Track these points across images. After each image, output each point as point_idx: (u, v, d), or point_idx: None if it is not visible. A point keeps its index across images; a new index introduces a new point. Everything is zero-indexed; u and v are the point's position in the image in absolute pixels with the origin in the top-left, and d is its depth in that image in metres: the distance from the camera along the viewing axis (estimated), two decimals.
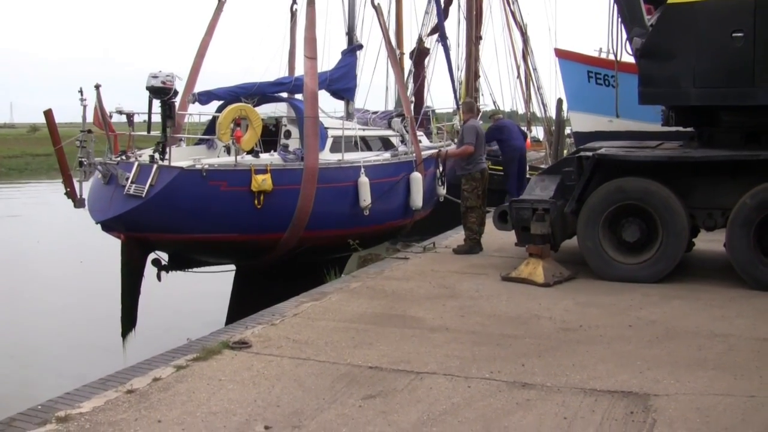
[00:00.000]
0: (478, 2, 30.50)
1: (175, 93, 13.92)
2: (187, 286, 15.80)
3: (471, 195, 14.37)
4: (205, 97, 15.84)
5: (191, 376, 7.36)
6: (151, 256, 14.17)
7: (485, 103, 28.96)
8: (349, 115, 17.76)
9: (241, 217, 13.46)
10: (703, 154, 11.56)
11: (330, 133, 15.51)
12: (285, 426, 6.19)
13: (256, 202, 13.40)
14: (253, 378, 7.33)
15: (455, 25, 30.77)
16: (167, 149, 13.47)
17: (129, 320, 13.44)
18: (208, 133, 16.03)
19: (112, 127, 14.24)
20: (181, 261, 14.72)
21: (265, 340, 8.60)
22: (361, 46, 18.72)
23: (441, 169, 16.77)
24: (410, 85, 26.25)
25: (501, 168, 20.15)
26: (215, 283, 15.46)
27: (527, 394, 6.88)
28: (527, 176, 19.07)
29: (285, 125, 15.90)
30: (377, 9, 18.92)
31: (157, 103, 13.89)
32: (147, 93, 13.83)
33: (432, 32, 28.99)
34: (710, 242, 12.92)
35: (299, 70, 17.61)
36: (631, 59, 13.53)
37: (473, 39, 30.23)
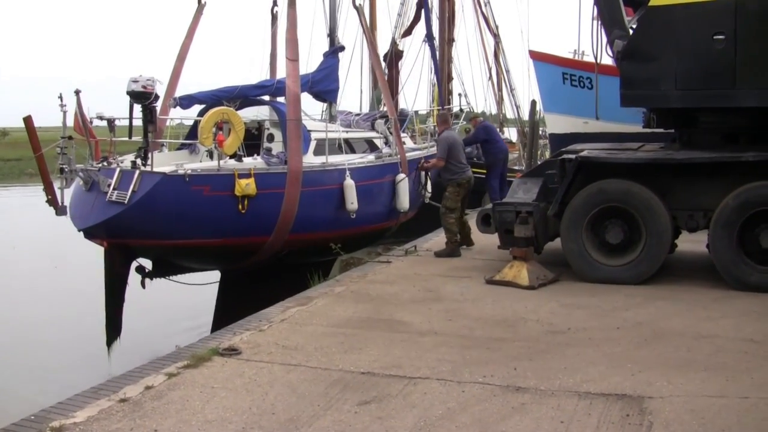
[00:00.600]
0: (450, 4, 30.59)
1: (156, 97, 13.74)
2: (172, 292, 15.64)
3: (451, 197, 14.52)
4: (186, 101, 15.72)
5: (183, 384, 7.32)
6: (135, 263, 14.02)
7: (464, 105, 29.01)
8: (331, 117, 17.72)
9: (225, 221, 13.36)
10: (685, 155, 11.63)
11: (313, 135, 15.46)
12: None
13: (240, 206, 13.31)
14: (246, 385, 7.30)
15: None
16: (149, 154, 13.32)
17: (114, 329, 13.25)
18: (190, 138, 15.90)
19: (93, 133, 14.06)
20: (165, 268, 14.54)
21: (255, 346, 8.56)
22: (343, 48, 18.70)
23: (424, 181, 17.10)
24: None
25: (484, 170, 20.12)
26: (200, 289, 15.33)
27: (522, 398, 6.90)
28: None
29: (268, 128, 15.84)
30: (359, 10, 18.93)
31: (138, 108, 13.68)
32: (127, 98, 13.62)
33: (405, 34, 29.05)
34: (692, 243, 12.98)
35: (281, 73, 17.57)
36: (608, 61, 13.64)
37: (446, 41, 30.29)
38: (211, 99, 15.50)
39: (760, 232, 11.04)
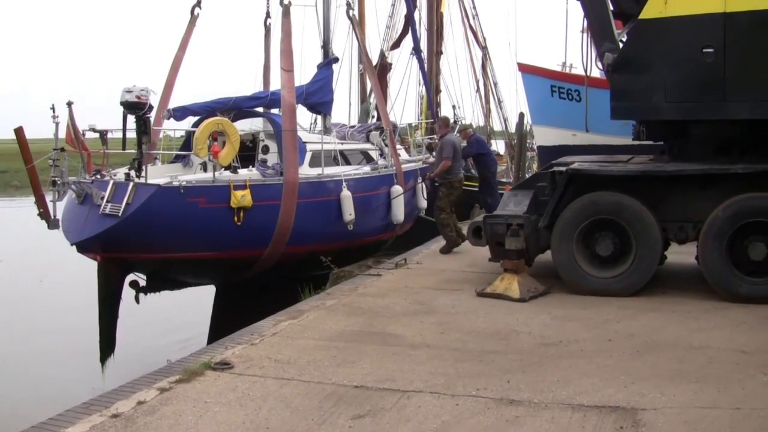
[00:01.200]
0: (439, 17, 30.69)
1: (150, 108, 13.65)
2: (167, 306, 15.56)
3: (445, 197, 15.29)
4: (180, 113, 15.71)
5: (176, 399, 7.30)
6: (129, 277, 13.92)
7: (458, 116, 29.17)
8: (326, 130, 17.71)
9: (220, 234, 13.30)
10: (675, 167, 11.67)
11: (308, 147, 15.44)
12: None
13: (235, 218, 13.25)
14: (239, 399, 7.28)
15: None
16: (143, 166, 13.24)
17: (108, 344, 13.15)
18: (184, 150, 15.85)
19: (85, 146, 13.98)
20: (160, 282, 14.45)
21: (247, 360, 8.54)
22: (337, 59, 18.75)
23: (425, 193, 17.39)
24: (372, 100, 26.35)
25: (476, 183, 20.14)
26: (195, 302, 15.26)
27: (516, 410, 6.91)
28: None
29: (262, 140, 15.82)
30: (353, 20, 18.97)
31: (131, 119, 13.57)
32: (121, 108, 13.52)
33: (393, 47, 29.12)
34: (679, 255, 13.01)
35: (274, 85, 17.59)
36: (596, 74, 13.69)
37: (434, 53, 30.39)
38: (205, 110, 15.50)
39: (749, 243, 11.07)
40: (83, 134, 13.86)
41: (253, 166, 14.82)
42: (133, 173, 13.26)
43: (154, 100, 14.02)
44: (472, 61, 37.37)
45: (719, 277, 11.18)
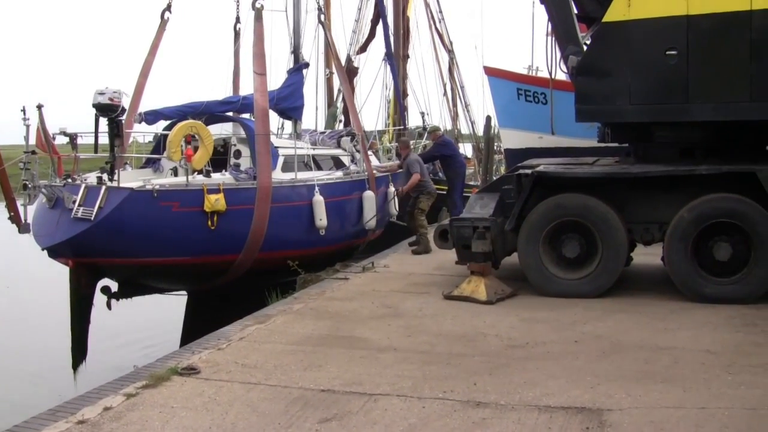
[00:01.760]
0: (405, 21, 30.69)
1: (123, 110, 13.52)
2: (138, 313, 15.42)
3: (424, 202, 16.54)
4: (152, 117, 15.60)
5: (142, 404, 7.26)
6: (101, 283, 13.75)
7: (427, 123, 29.20)
8: (297, 135, 17.66)
9: (194, 238, 13.16)
10: (640, 169, 11.76)
11: (281, 152, 15.37)
12: None
13: (209, 222, 13.13)
14: (206, 404, 7.26)
15: (382, 44, 31.00)
16: (115, 169, 13.09)
17: (80, 350, 12.97)
18: (155, 153, 15.72)
19: (56, 149, 13.80)
20: (132, 288, 14.28)
21: (214, 365, 8.51)
22: (307, 65, 18.72)
23: (397, 207, 17.76)
24: (339, 104, 26.33)
25: (445, 186, 20.14)
26: (168, 308, 15.12)
27: (482, 412, 6.93)
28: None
29: (234, 145, 15.72)
30: (324, 25, 18.96)
31: (103, 122, 13.38)
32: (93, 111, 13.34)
33: (360, 51, 29.08)
34: (647, 256, 13.09)
35: (244, 90, 17.52)
36: (562, 77, 13.75)
37: (401, 57, 30.37)
38: (177, 114, 15.39)
39: (714, 244, 11.20)
40: (53, 138, 13.67)
41: (226, 171, 14.72)
42: (105, 176, 13.09)
43: (126, 103, 13.87)
44: (439, 65, 37.36)
45: (685, 278, 11.29)
